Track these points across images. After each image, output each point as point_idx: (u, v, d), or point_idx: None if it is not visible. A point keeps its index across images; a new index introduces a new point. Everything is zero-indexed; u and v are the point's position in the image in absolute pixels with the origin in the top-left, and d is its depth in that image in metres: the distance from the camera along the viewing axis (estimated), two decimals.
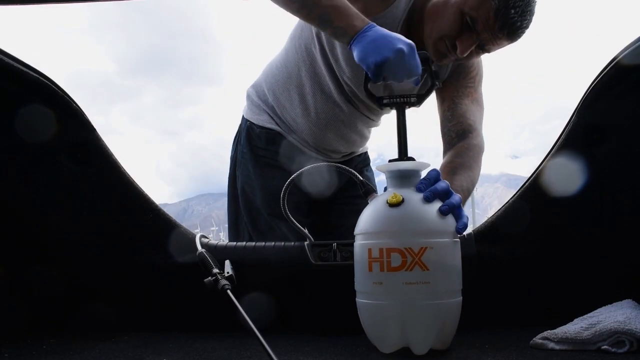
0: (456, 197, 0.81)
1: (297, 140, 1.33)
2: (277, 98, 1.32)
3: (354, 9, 0.96)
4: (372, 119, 1.34)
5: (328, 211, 1.41)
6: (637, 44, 0.78)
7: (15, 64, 0.83)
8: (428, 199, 0.78)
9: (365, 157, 1.50)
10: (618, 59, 0.80)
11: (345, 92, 1.24)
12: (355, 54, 0.92)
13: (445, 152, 1.14)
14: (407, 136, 0.86)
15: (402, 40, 0.89)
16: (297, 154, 1.32)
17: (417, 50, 0.90)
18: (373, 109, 1.30)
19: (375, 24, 0.93)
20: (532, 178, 0.94)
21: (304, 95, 1.27)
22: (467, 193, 1.02)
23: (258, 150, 1.34)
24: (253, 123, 1.35)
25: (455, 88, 1.20)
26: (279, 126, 1.32)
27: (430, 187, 0.80)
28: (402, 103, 0.86)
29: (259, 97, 1.36)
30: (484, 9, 1.01)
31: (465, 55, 1.07)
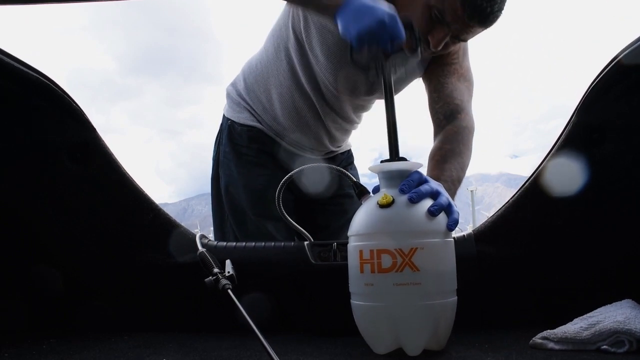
0: (444, 198, 0.80)
1: (278, 138, 1.32)
2: (257, 97, 1.31)
3: None
4: (346, 120, 1.33)
5: (314, 212, 1.41)
6: (637, 44, 0.78)
7: (15, 64, 0.83)
8: (413, 200, 0.77)
9: (348, 155, 1.50)
10: (618, 59, 0.80)
11: (321, 91, 1.24)
12: (339, 27, 0.91)
13: (435, 135, 1.13)
14: (397, 136, 0.86)
15: (383, 9, 0.88)
16: (280, 151, 1.32)
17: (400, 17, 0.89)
18: (348, 107, 1.29)
19: None
20: (532, 178, 0.94)
21: (282, 95, 1.26)
22: (457, 182, 1.02)
23: (240, 149, 1.33)
24: (234, 121, 1.34)
25: (440, 67, 1.19)
26: (260, 123, 1.31)
27: (414, 188, 0.79)
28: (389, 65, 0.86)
29: (239, 95, 1.35)
30: (450, 0, 1.00)
31: (439, 48, 1.06)
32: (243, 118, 1.33)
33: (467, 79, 1.20)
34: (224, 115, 1.39)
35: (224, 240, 1.20)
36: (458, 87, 1.17)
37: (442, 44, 1.05)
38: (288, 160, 1.32)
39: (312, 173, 1.20)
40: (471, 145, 1.11)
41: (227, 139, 1.35)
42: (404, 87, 1.30)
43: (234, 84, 1.39)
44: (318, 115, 1.28)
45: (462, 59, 1.21)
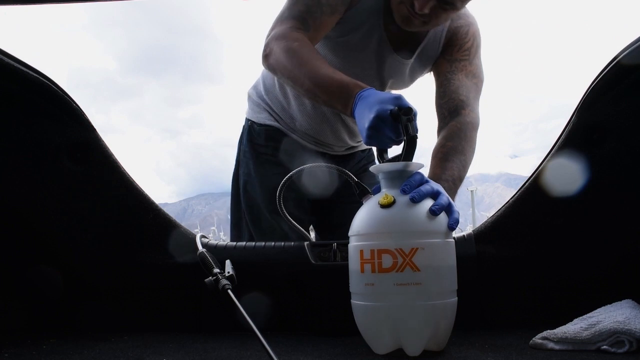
0: (444, 198, 0.80)
1: (296, 135, 1.33)
2: (275, 97, 1.33)
3: (337, 77, 0.93)
4: None
5: (331, 210, 1.41)
6: (637, 44, 0.78)
7: (15, 64, 0.83)
8: (415, 200, 0.77)
9: (369, 154, 1.50)
10: (618, 59, 0.80)
11: None
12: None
13: (439, 130, 1.13)
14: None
15: (375, 115, 0.82)
16: (297, 149, 1.33)
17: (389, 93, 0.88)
18: None
19: (362, 92, 0.89)
20: (532, 178, 0.94)
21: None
22: (458, 181, 1.01)
23: (258, 148, 1.35)
24: (254, 122, 1.37)
25: (449, 63, 1.19)
26: (278, 122, 1.34)
27: (415, 189, 0.79)
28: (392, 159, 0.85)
29: (259, 96, 1.38)
30: None
31: (426, 11, 1.03)
32: (262, 118, 1.36)
33: (475, 76, 1.20)
34: (245, 117, 1.43)
35: (240, 239, 1.20)
36: (465, 84, 1.17)
37: (427, 7, 1.03)
38: (305, 158, 1.32)
39: (323, 173, 1.20)
40: (474, 141, 1.11)
41: (247, 139, 1.38)
42: (416, 79, 1.30)
43: (255, 87, 1.42)
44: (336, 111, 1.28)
45: (472, 56, 1.20)
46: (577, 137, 0.89)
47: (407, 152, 0.81)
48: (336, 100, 0.94)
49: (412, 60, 1.23)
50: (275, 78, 1.31)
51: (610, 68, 0.82)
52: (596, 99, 0.85)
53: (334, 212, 1.41)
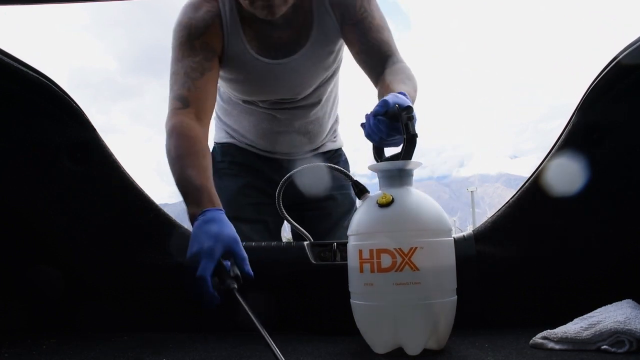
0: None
1: (252, 148, 1.40)
2: (228, 117, 1.41)
3: (196, 183, 0.96)
4: (310, 108, 1.33)
5: (297, 219, 1.42)
6: (637, 44, 0.78)
7: (15, 64, 0.83)
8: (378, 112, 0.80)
9: (334, 155, 1.47)
10: (618, 59, 0.80)
11: (275, 101, 1.29)
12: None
13: (376, 84, 1.12)
14: None
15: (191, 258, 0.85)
16: (253, 160, 1.40)
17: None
18: (303, 104, 1.31)
19: (203, 214, 0.91)
20: (532, 178, 0.94)
21: (240, 114, 1.35)
22: (413, 93, 1.00)
23: (217, 164, 1.42)
24: (216, 142, 1.46)
25: (355, 26, 1.16)
26: (234, 138, 1.41)
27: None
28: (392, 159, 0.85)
29: (216, 118, 1.47)
30: None
31: None
32: (220, 137, 1.45)
33: (383, 27, 1.17)
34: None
35: None
36: (380, 40, 1.15)
37: None
38: (258, 165, 1.39)
39: (301, 175, 1.21)
40: (415, 79, 1.09)
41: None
42: (332, 52, 1.24)
43: (215, 110, 1.49)
44: (279, 119, 1.32)
45: (371, 9, 1.17)
46: (577, 137, 0.89)
47: (406, 150, 0.80)
48: (188, 204, 0.95)
49: (309, 44, 1.18)
50: (224, 101, 1.39)
51: (610, 68, 0.82)
52: (596, 99, 0.85)
53: (303, 221, 1.41)
